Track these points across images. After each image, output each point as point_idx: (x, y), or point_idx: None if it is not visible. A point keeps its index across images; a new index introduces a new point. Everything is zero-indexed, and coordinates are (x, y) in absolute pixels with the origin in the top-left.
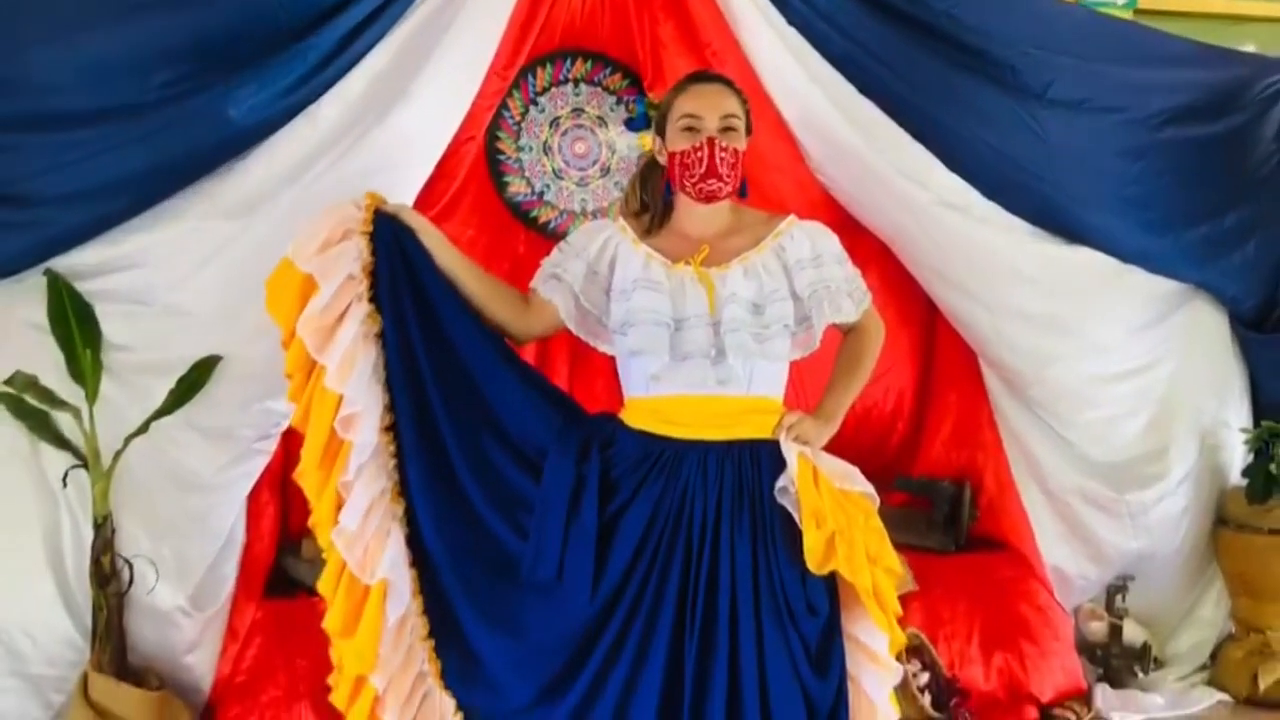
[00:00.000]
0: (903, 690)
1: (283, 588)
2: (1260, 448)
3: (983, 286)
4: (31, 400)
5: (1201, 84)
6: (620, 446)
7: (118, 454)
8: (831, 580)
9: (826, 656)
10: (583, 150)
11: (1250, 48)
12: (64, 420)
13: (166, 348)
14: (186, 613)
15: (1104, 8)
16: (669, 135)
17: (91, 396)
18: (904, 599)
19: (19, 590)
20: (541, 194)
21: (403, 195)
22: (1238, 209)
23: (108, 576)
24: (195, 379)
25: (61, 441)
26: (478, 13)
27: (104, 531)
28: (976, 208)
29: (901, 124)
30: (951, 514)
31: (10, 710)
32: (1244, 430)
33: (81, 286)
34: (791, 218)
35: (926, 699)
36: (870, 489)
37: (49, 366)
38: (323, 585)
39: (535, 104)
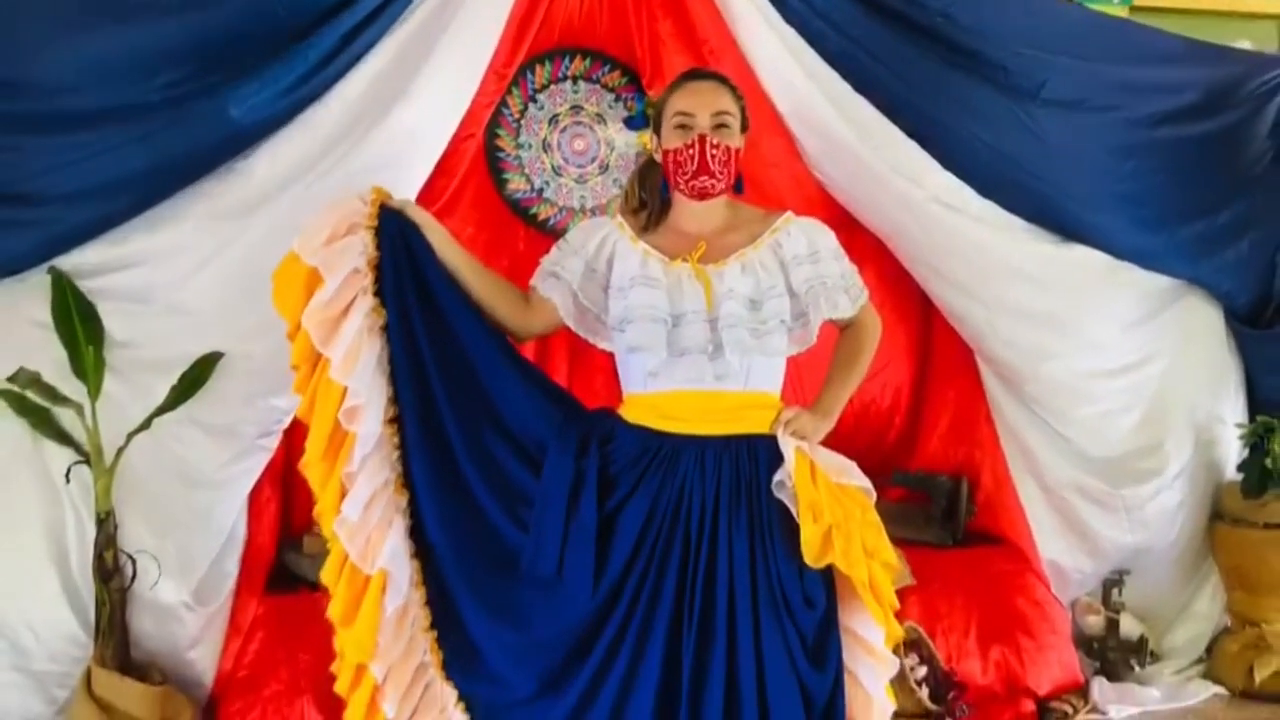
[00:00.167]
0: (900, 683)
1: (284, 583)
2: (1255, 442)
3: (978, 283)
4: (34, 397)
5: (1196, 82)
6: (619, 442)
7: (120, 450)
8: (828, 574)
9: (823, 649)
10: (581, 147)
11: (1245, 44)
12: (67, 417)
13: (169, 345)
14: (190, 607)
15: (1099, 5)
16: (664, 133)
17: (94, 393)
18: (902, 593)
19: (23, 586)
20: (541, 191)
21: (404, 193)
22: (1232, 205)
23: (110, 572)
24: (197, 375)
25: (64, 438)
26: (477, 11)
27: (106, 527)
28: (972, 205)
29: (897, 122)
30: (949, 509)
31: (14, 706)
32: (1239, 425)
33: (85, 284)
34: (788, 214)
35: (924, 692)
36: (867, 483)
37: (52, 364)
38: (326, 574)
39: (534, 101)
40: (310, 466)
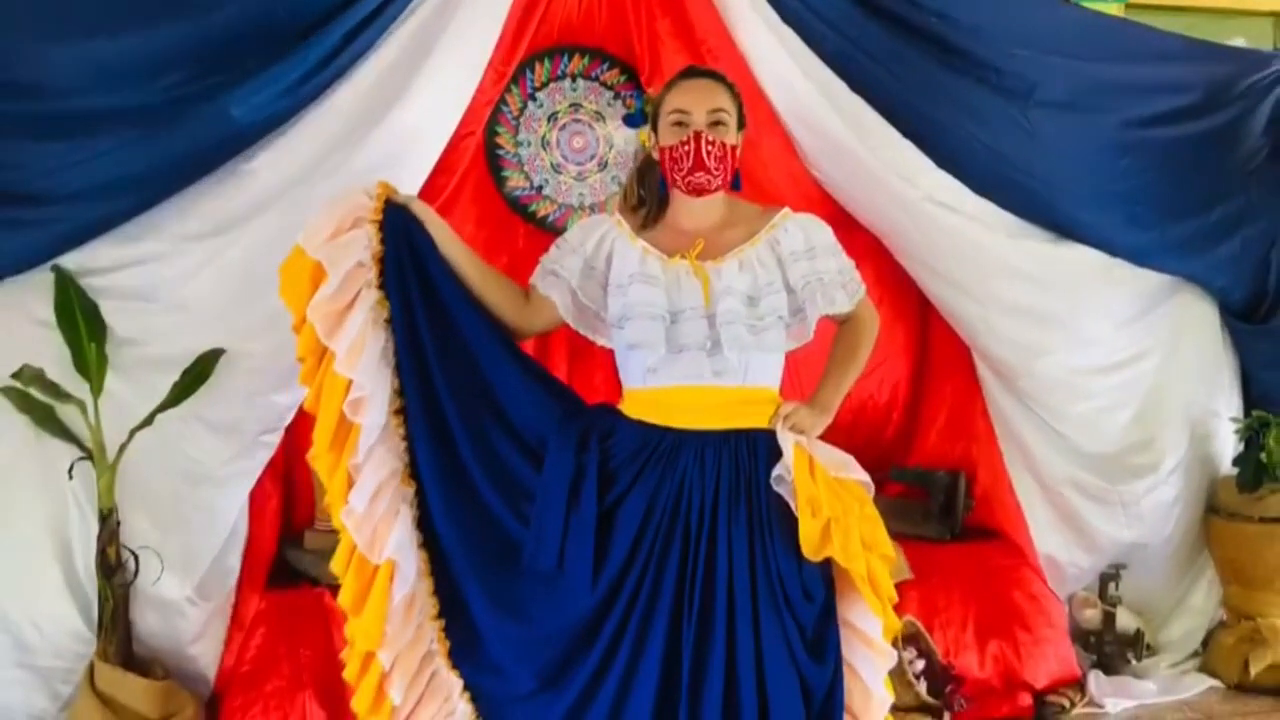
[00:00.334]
0: (898, 677)
1: (286, 579)
2: (1251, 437)
3: (973, 281)
4: (37, 394)
5: (1191, 81)
6: (619, 437)
7: (122, 447)
8: (827, 567)
9: (822, 642)
10: (580, 145)
11: (1240, 41)
12: (70, 414)
13: (172, 342)
14: (193, 602)
15: (1095, 3)
16: (661, 130)
17: (97, 390)
18: (900, 587)
19: (26, 582)
20: (540, 188)
21: (405, 190)
22: (1225, 202)
23: (113, 568)
24: (199, 372)
25: (67, 434)
26: (477, 10)
27: (109, 523)
28: (967, 204)
29: (894, 121)
30: (946, 504)
31: (18, 702)
32: (1235, 420)
33: (88, 283)
34: (785, 210)
35: (922, 686)
36: (865, 477)
37: (55, 361)
38: (335, 564)
39: (534, 99)
40: (318, 458)
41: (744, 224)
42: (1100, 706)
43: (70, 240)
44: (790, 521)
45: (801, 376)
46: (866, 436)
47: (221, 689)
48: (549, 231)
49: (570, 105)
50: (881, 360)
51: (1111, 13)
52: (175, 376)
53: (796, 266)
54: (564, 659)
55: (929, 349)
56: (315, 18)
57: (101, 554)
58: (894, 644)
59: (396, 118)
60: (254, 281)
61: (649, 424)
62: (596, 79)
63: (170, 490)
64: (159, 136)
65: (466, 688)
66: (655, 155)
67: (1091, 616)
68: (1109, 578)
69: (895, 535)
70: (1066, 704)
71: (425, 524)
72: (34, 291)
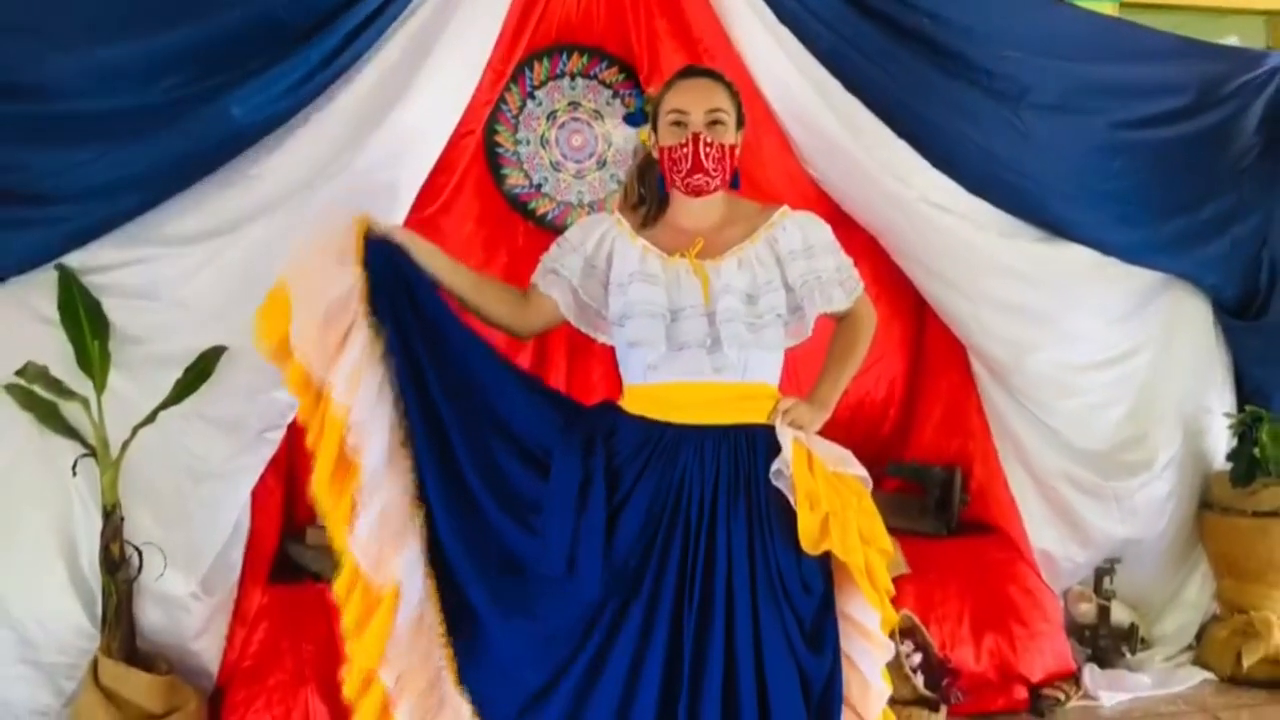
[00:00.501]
0: (896, 670)
1: (288, 574)
2: (1244, 432)
3: (966, 279)
4: (41, 391)
5: (1185, 82)
6: (621, 434)
7: (125, 443)
8: (825, 560)
9: (821, 633)
10: (579, 143)
11: (1233, 40)
12: (73, 411)
13: (175, 340)
14: (197, 597)
15: (1089, 2)
16: (660, 130)
17: (100, 387)
18: (897, 582)
19: (30, 579)
20: (539, 186)
21: (405, 190)
22: (1216, 201)
23: (117, 563)
24: (201, 369)
25: (70, 431)
26: (476, 9)
27: (113, 519)
28: (960, 204)
29: (889, 121)
30: (943, 499)
31: (22, 698)
32: (1228, 415)
33: (91, 281)
34: (784, 208)
35: (919, 679)
36: (863, 472)
37: (59, 360)
38: (337, 589)
39: (533, 98)
40: (319, 493)
41: (743, 222)
42: (1095, 699)
43: (74, 240)
44: (789, 515)
45: (800, 373)
46: (864, 432)
47: (224, 684)
48: (548, 229)
49: (569, 103)
50: (878, 357)
51: (1105, 12)
52: (178, 374)
53: (795, 265)
54: (570, 653)
55: (925, 346)
56: (317, 19)
57: (105, 550)
58: (891, 636)
59: (397, 118)
60: (255, 280)
61: (650, 420)
62: (595, 77)
63: (173, 486)
64: (161, 137)
65: (476, 709)
66: (654, 154)
67: (1086, 611)
68: (1104, 572)
69: (892, 530)
70: (1062, 697)
71: (433, 546)
72: (38, 290)
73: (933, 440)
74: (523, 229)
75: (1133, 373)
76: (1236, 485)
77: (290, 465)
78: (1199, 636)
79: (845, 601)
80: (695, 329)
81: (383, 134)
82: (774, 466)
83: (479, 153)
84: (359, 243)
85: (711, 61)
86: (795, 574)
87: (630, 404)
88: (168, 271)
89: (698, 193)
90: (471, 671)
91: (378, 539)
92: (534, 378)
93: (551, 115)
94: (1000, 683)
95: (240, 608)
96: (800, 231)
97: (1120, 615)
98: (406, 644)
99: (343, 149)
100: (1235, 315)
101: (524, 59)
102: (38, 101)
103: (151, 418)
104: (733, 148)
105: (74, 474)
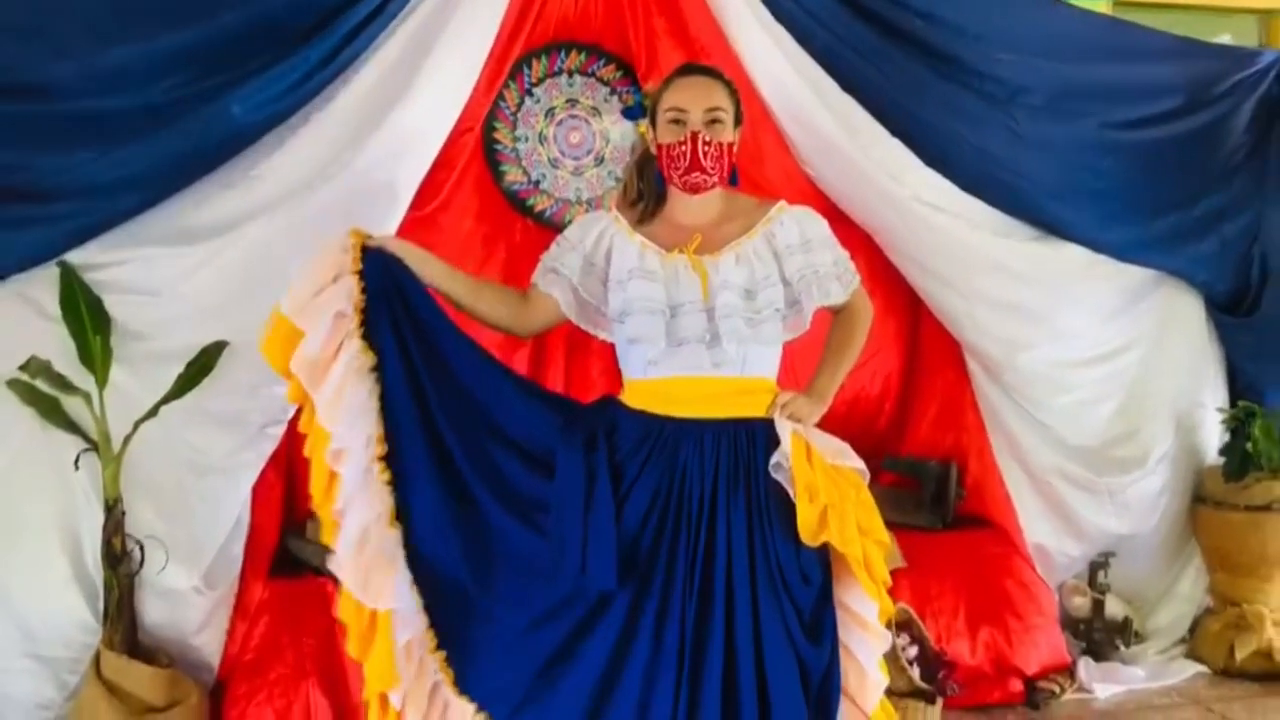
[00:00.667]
0: (892, 662)
1: (288, 568)
2: (1236, 427)
3: (959, 277)
4: (43, 386)
5: (1175, 81)
6: (622, 429)
7: (127, 438)
8: (824, 552)
9: (819, 624)
10: (577, 140)
11: (1225, 39)
12: (75, 406)
13: (176, 336)
14: (199, 591)
15: (1083, 1)
16: (658, 128)
17: (102, 382)
18: (893, 575)
19: (34, 573)
20: (538, 183)
21: (404, 188)
22: (1208, 198)
23: (119, 557)
24: (203, 364)
25: (72, 426)
26: (475, 8)
27: (114, 513)
28: (953, 203)
29: (884, 120)
30: (938, 493)
31: (25, 692)
32: (1221, 410)
33: (93, 277)
34: (781, 203)
35: (915, 671)
36: (861, 464)
37: (61, 355)
38: (341, 612)
39: (531, 95)
40: (318, 505)
41: (740, 217)
42: (1090, 692)
43: (76, 237)
44: (788, 507)
45: (798, 367)
46: (860, 427)
47: (225, 677)
48: (546, 225)
49: (567, 101)
50: (874, 352)
51: (1099, 10)
52: (179, 369)
53: (792, 260)
54: (574, 644)
55: (920, 342)
56: (317, 18)
57: (107, 544)
58: (887, 629)
59: (397, 117)
60: (256, 278)
61: (650, 414)
62: (593, 75)
63: (175, 481)
64: (162, 136)
65: (480, 709)
66: (653, 149)
67: (1081, 604)
68: (1098, 566)
69: (888, 524)
70: (1056, 690)
71: (416, 562)
72: (40, 286)
73: (928, 435)
74: (521, 225)
75: (1124, 369)
76: (1229, 480)
77: (291, 460)
78: (1192, 630)
79: (843, 592)
80: (694, 324)
81: (382, 134)
82: (773, 459)
83: (478, 150)
84: (355, 254)
85: (708, 60)
86: (794, 565)
87: (631, 399)
88: (169, 269)
89: (696, 190)
90: (468, 676)
91: (361, 558)
92: (531, 382)
93: (550, 112)
94: (996, 675)
95: (241, 602)
96: (797, 226)
97: (1114, 609)
98: (402, 660)
99: (343, 149)
100: (1227, 311)
101: (522, 56)
102: (41, 101)
103: (153, 412)
104: (731, 145)
105: (76, 468)
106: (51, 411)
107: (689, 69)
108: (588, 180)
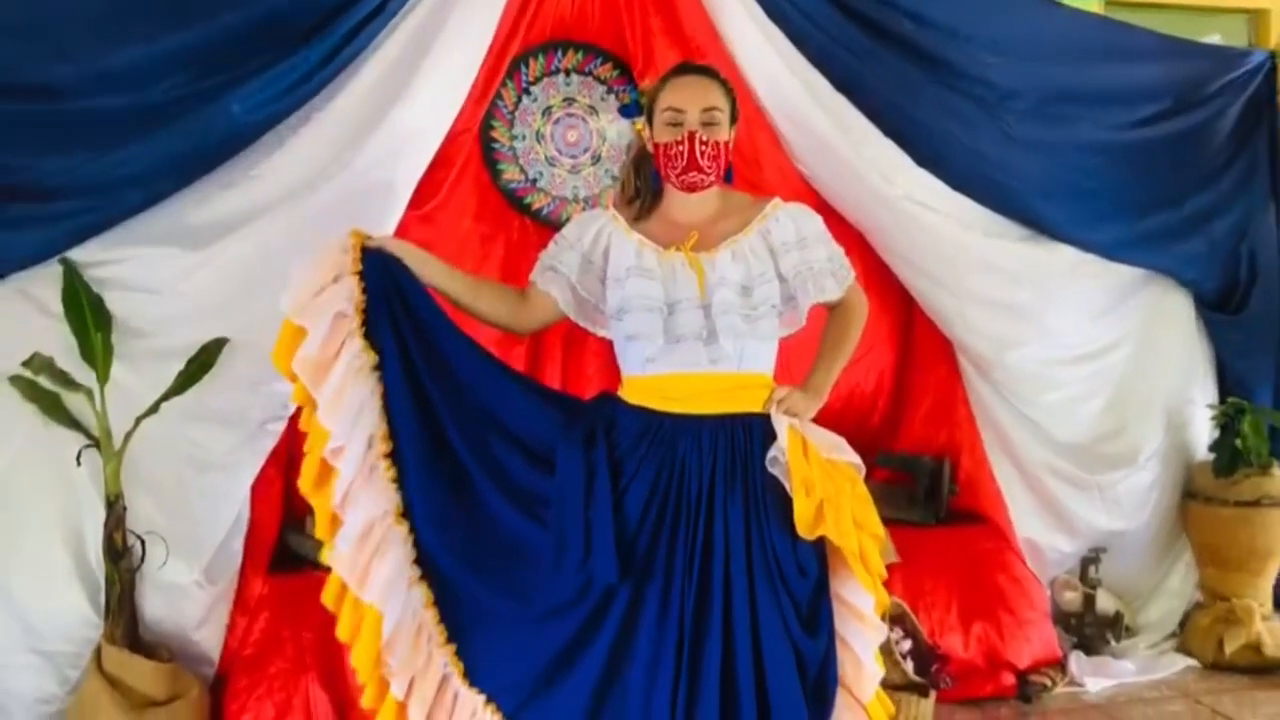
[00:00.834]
0: (886, 656)
1: (288, 563)
2: (1226, 423)
3: (949, 275)
4: (45, 382)
5: (1165, 82)
6: (621, 425)
7: (129, 434)
8: (820, 545)
9: (816, 616)
10: (574, 138)
11: (1215, 38)
12: (77, 402)
13: (177, 333)
14: (200, 586)
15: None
16: (655, 127)
17: (103, 378)
18: (887, 570)
19: (36, 569)
20: (535, 181)
21: (402, 187)
22: (1197, 197)
23: (120, 553)
24: (204, 361)
25: (74, 423)
26: (474, 7)
27: (116, 509)
28: (944, 202)
29: (877, 120)
30: (931, 488)
31: (27, 686)
32: (1210, 407)
33: (94, 275)
34: (776, 200)
35: (909, 664)
36: (857, 459)
37: (63, 352)
38: (326, 598)
39: (528, 93)
40: (308, 493)
41: (736, 214)
42: (1081, 686)
43: (78, 235)
44: (785, 501)
45: (793, 362)
46: (854, 423)
47: (225, 671)
48: (544, 223)
49: (564, 99)
50: (868, 349)
51: (1091, 10)
52: (180, 366)
53: (788, 256)
54: (579, 637)
55: (913, 339)
56: (317, 18)
57: (108, 539)
58: (883, 620)
59: (396, 116)
60: (256, 276)
61: (649, 410)
62: (590, 74)
63: (176, 477)
64: (163, 135)
65: (489, 700)
66: (650, 147)
67: (1072, 599)
68: (1089, 561)
69: (882, 519)
70: (1048, 683)
71: (424, 558)
72: (42, 284)
73: (921, 431)
74: (518, 223)
75: (1113, 366)
76: (1219, 476)
77: (290, 456)
78: (1182, 624)
79: (839, 585)
80: (691, 321)
81: (382, 133)
82: (770, 454)
83: (475, 148)
84: (355, 255)
85: (703, 59)
86: (791, 558)
87: (629, 394)
88: (170, 267)
89: (693, 189)
90: (479, 669)
91: (360, 553)
92: (531, 380)
93: (547, 111)
94: (988, 669)
95: (241, 596)
96: (793, 223)
97: (1105, 603)
98: (409, 650)
99: (343, 148)
100: (1216, 309)
101: (519, 55)
102: (42, 101)
103: (154, 409)
104: (727, 144)
105: (78, 464)
106: (53, 408)
107: (685, 68)
108: (585, 178)
